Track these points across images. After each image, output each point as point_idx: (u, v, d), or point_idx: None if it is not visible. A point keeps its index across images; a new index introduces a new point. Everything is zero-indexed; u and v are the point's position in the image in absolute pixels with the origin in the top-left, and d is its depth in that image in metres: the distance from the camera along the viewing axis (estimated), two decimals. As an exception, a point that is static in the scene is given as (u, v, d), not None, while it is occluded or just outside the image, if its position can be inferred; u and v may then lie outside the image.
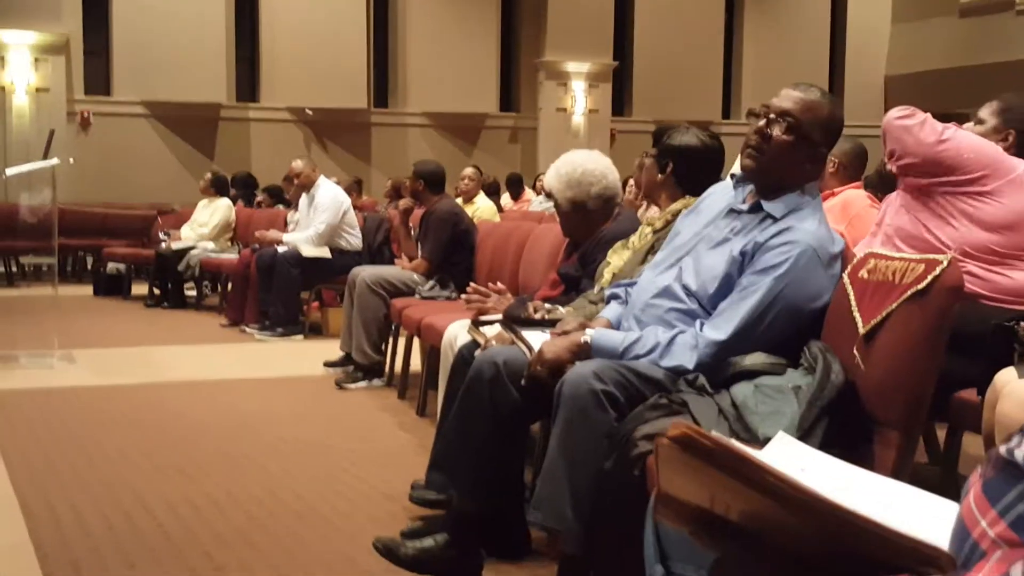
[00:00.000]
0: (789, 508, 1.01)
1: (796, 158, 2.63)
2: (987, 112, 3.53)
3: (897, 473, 2.09)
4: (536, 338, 2.86)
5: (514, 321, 3.12)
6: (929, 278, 2.14)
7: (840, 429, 2.20)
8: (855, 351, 2.30)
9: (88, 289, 11.35)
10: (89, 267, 12.85)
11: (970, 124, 3.56)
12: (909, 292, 2.17)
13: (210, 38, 14.83)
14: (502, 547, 3.09)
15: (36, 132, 13.41)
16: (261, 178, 12.49)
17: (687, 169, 3.41)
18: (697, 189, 3.29)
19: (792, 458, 1.26)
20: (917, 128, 3.26)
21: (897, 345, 2.19)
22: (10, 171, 7.24)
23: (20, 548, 3.15)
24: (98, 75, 15.03)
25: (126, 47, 14.63)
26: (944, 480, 3.23)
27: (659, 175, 3.48)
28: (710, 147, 3.44)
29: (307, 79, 15.36)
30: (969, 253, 3.17)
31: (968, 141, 3.27)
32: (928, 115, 3.33)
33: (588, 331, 2.73)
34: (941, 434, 3.69)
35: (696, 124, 3.65)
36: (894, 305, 2.20)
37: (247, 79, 15.98)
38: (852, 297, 2.39)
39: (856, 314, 2.34)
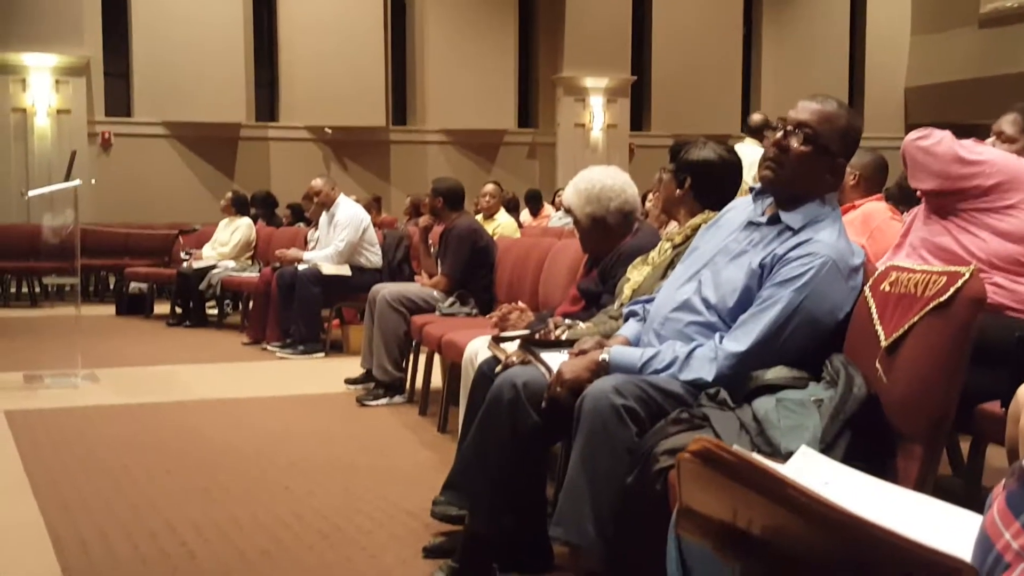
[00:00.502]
0: (812, 522, 1.01)
1: (815, 169, 2.63)
2: (1014, 129, 3.51)
3: (920, 486, 2.08)
4: (555, 359, 2.86)
5: (532, 343, 3.12)
6: (951, 290, 2.13)
7: (863, 442, 2.19)
8: (877, 364, 2.29)
9: (111, 309, 11.42)
10: (111, 287, 12.93)
11: (991, 139, 3.55)
12: (931, 304, 2.16)
13: (229, 59, 14.92)
14: (524, 564, 3.09)
15: (58, 153, 13.51)
16: (281, 197, 12.55)
17: (705, 184, 3.40)
18: (716, 203, 3.29)
19: (815, 472, 1.25)
20: (937, 149, 3.25)
21: (920, 358, 2.19)
22: (32, 192, 7.30)
23: (48, 574, 3.16)
24: (119, 96, 15.14)
25: (146, 69, 14.74)
26: (967, 492, 3.21)
27: (677, 191, 3.47)
28: (728, 161, 3.44)
29: (326, 98, 15.43)
30: (996, 264, 3.16)
31: (991, 157, 3.26)
32: (947, 134, 3.32)
33: (606, 349, 2.73)
34: (965, 446, 3.67)
35: (715, 138, 3.64)
36: (916, 317, 2.20)
37: (266, 99, 16.07)
38: (874, 310, 2.38)
39: (878, 327, 2.33)
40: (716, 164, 3.41)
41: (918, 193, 3.35)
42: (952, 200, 3.24)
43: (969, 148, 3.28)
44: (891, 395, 2.24)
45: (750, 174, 7.41)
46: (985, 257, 3.15)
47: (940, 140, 3.28)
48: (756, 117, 7.88)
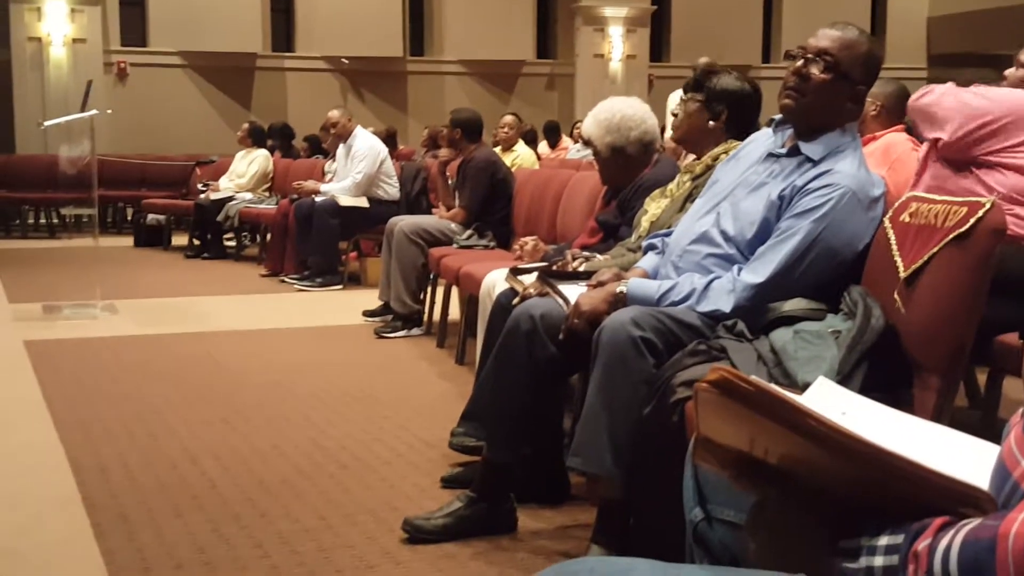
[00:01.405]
0: (829, 451, 1.01)
1: (836, 97, 2.59)
2: None
3: (938, 417, 2.08)
4: (572, 291, 2.85)
5: (550, 275, 3.11)
6: (972, 221, 2.12)
7: (880, 374, 2.19)
8: (896, 295, 2.28)
9: (128, 240, 11.47)
10: (129, 218, 12.98)
11: (1011, 70, 3.50)
12: (951, 235, 2.15)
13: (245, -12, 14.81)
14: (542, 493, 3.12)
15: (74, 83, 13.49)
16: (298, 128, 12.51)
17: (737, 114, 3.34)
18: (741, 133, 3.25)
19: (832, 402, 1.25)
20: (943, 101, 3.23)
21: (938, 289, 2.18)
22: (49, 123, 7.30)
23: (69, 500, 3.21)
24: (134, 26, 15.06)
25: (161, -2, 14.65)
26: (984, 423, 3.21)
27: (711, 122, 3.34)
28: (755, 91, 3.39)
29: (343, 28, 15.32)
30: (1015, 199, 3.13)
31: (998, 97, 3.22)
32: (948, 86, 3.28)
33: (624, 281, 2.73)
34: (982, 378, 3.67)
35: (736, 68, 3.57)
36: (936, 248, 2.18)
37: (283, 29, 15.96)
38: (893, 241, 2.36)
39: (897, 258, 2.32)
40: (748, 94, 3.36)
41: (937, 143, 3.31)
42: (967, 148, 3.20)
43: (974, 92, 3.24)
44: (909, 326, 2.24)
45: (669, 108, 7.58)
46: (1005, 191, 3.12)
47: (943, 93, 3.25)
48: (703, 60, 8.00)
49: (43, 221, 12.91)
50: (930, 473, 0.99)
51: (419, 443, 3.79)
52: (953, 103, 3.21)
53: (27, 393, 4.57)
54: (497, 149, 7.90)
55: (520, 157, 8.16)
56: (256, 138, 10.37)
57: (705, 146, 3.38)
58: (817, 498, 1.07)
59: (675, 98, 7.53)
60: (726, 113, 3.32)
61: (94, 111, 6.72)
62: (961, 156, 3.21)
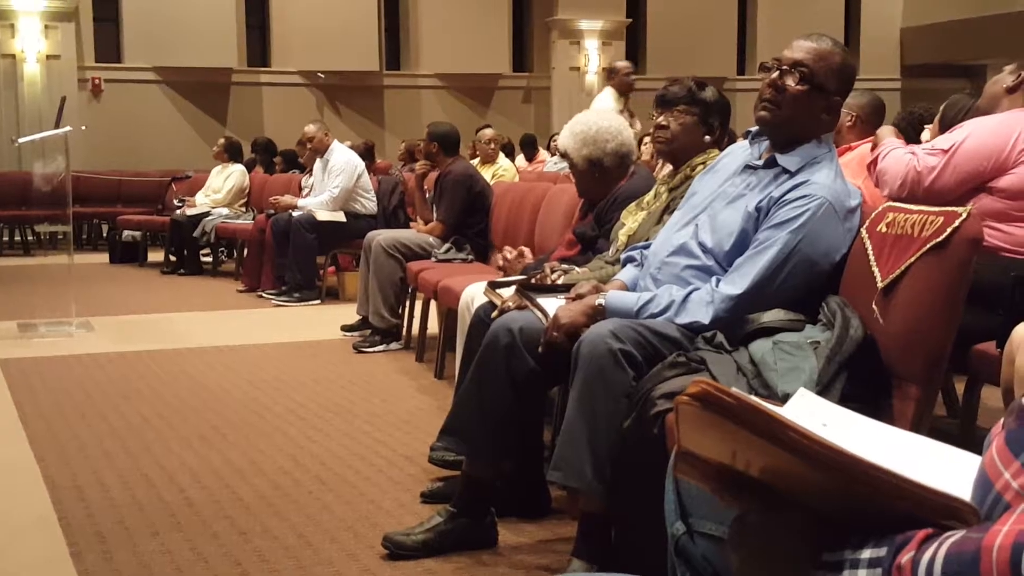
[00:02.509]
0: (811, 463, 1.01)
1: (812, 108, 2.60)
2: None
3: (917, 426, 2.09)
4: (551, 304, 2.85)
5: (528, 288, 3.10)
6: (948, 230, 2.12)
7: (859, 384, 2.19)
8: (873, 305, 2.29)
9: (104, 257, 11.39)
10: (104, 235, 12.89)
11: (1001, 76, 3.51)
12: (928, 245, 2.16)
13: (220, 3, 14.76)
14: (522, 508, 3.11)
15: (48, 100, 13.41)
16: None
17: (724, 126, 3.39)
18: (717, 144, 3.29)
19: (813, 414, 1.25)
20: (887, 167, 3.34)
21: (916, 298, 2.18)
22: (22, 139, 7.26)
23: (45, 520, 3.18)
24: (109, 42, 14.99)
25: (136, 13, 14.58)
26: (963, 433, 3.23)
27: (707, 136, 3.33)
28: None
29: (318, 43, 15.30)
30: (987, 216, 3.17)
31: (961, 158, 3.28)
32: (892, 147, 3.39)
33: (602, 293, 2.73)
34: (960, 387, 3.68)
35: (711, 80, 3.58)
36: (913, 258, 2.19)
37: (258, 43, 15.92)
38: (870, 251, 2.37)
39: (874, 268, 2.32)
40: (727, 105, 3.43)
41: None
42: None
43: (919, 153, 3.33)
44: (887, 336, 2.24)
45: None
46: (977, 210, 3.16)
47: (888, 158, 3.36)
48: (619, 64, 8.22)
49: (17, 239, 12.82)
50: (912, 485, 0.98)
51: (399, 458, 3.77)
52: (898, 169, 3.32)
53: (2, 412, 4.52)
54: (475, 162, 7.90)
55: (502, 169, 8.16)
56: (232, 153, 10.33)
57: (691, 159, 3.37)
58: (799, 511, 1.07)
59: (607, 101, 7.66)
60: (719, 125, 3.35)
61: (68, 128, 6.68)
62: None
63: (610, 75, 8.12)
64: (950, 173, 3.25)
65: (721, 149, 3.11)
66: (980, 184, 3.25)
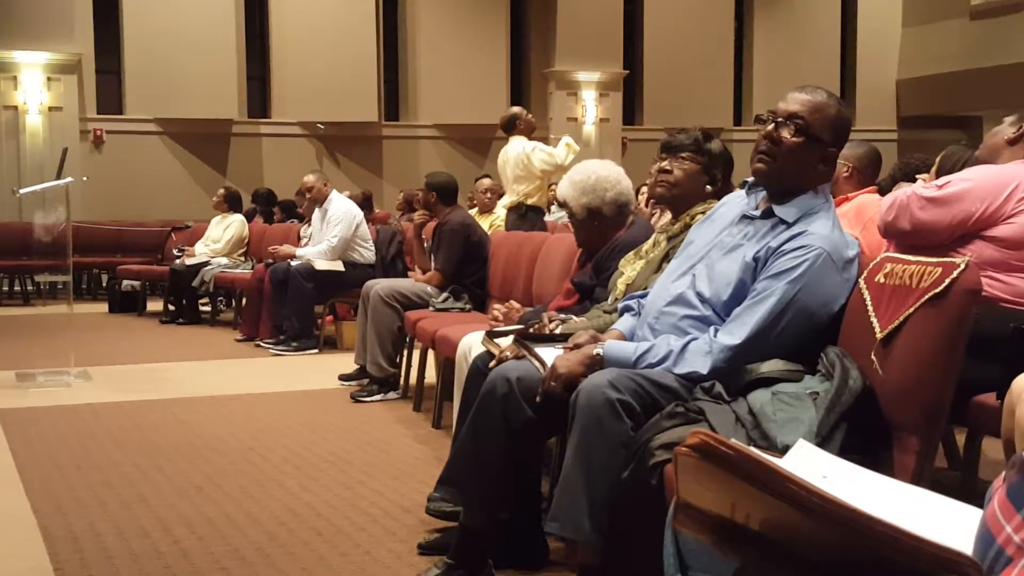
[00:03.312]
0: (812, 516, 1.00)
1: (808, 160, 2.62)
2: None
3: (917, 479, 2.07)
4: (549, 353, 2.84)
5: (526, 337, 3.10)
6: (947, 281, 2.12)
7: (859, 435, 2.18)
8: (872, 356, 2.28)
9: (103, 306, 11.39)
10: (104, 284, 12.90)
11: (1001, 128, 3.54)
12: (927, 296, 2.16)
13: (220, 55, 14.88)
14: (519, 559, 3.08)
15: (50, 151, 13.47)
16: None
17: (727, 177, 3.41)
18: (718, 194, 3.30)
19: (813, 465, 1.24)
20: (896, 222, 3.37)
21: (915, 349, 2.18)
22: (24, 190, 7.28)
23: (40, 570, 3.15)
24: (111, 94, 15.09)
25: (138, 66, 14.69)
26: (964, 485, 3.20)
27: (708, 186, 3.35)
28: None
29: (318, 94, 15.40)
30: (987, 264, 3.17)
31: (955, 196, 3.32)
32: (900, 196, 3.41)
33: (600, 343, 2.72)
34: (960, 439, 3.67)
35: (708, 131, 3.60)
36: (911, 309, 2.19)
37: (258, 95, 16.03)
38: (869, 301, 2.37)
39: (873, 319, 2.32)
40: (731, 160, 3.44)
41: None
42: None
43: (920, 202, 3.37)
44: (887, 387, 2.23)
45: (512, 169, 7.90)
46: (976, 259, 3.16)
47: (897, 207, 3.39)
48: (504, 114, 8.38)
49: (17, 288, 12.82)
50: (912, 538, 0.97)
51: (395, 508, 3.75)
52: (894, 194, 3.35)
53: (-3, 462, 4.50)
54: (474, 212, 7.92)
55: (499, 219, 8.19)
56: (232, 203, 10.36)
57: (690, 207, 3.38)
58: (799, 563, 1.06)
59: (521, 146, 7.80)
60: (721, 180, 3.36)
61: (69, 179, 6.71)
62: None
63: (513, 124, 8.21)
64: (941, 208, 3.27)
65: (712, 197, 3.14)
66: (970, 230, 3.26)
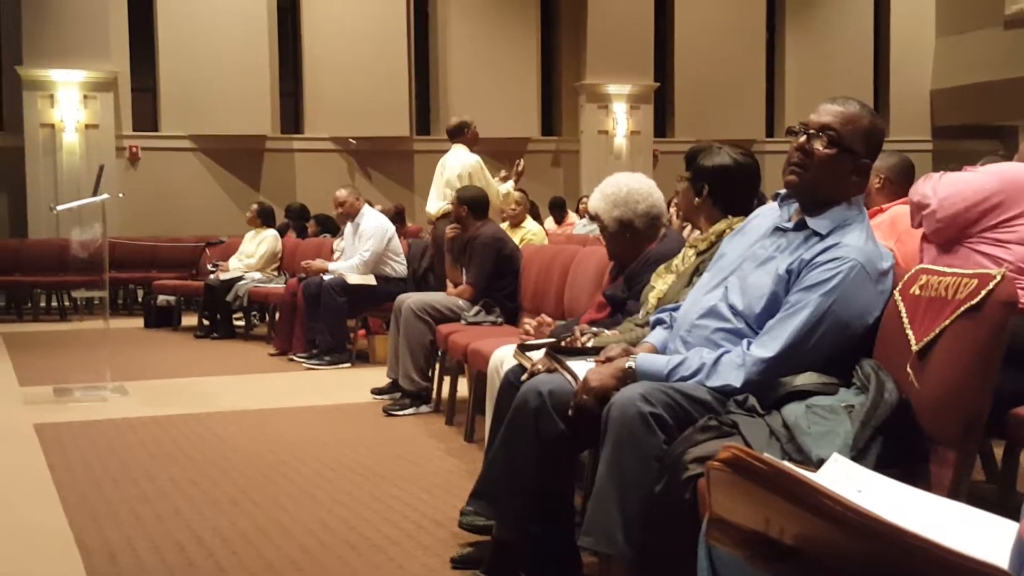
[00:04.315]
0: (847, 531, 0.99)
1: (841, 171, 2.60)
2: None
3: (954, 492, 2.05)
4: (581, 367, 2.83)
5: (558, 351, 3.10)
6: (983, 293, 2.11)
7: (895, 449, 2.16)
8: (908, 369, 2.26)
9: (139, 321, 11.48)
10: (139, 300, 13.01)
11: None
12: (963, 308, 2.14)
13: (254, 72, 14.99)
14: (553, 573, 3.07)
15: (86, 168, 13.61)
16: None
17: (723, 190, 3.35)
18: (736, 208, 3.27)
19: (848, 479, 1.23)
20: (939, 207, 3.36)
21: (951, 362, 2.16)
22: (61, 207, 7.36)
23: (75, 580, 3.18)
24: (146, 111, 15.24)
25: (172, 83, 14.83)
26: (1002, 498, 3.17)
27: (696, 199, 3.41)
28: (744, 165, 3.39)
29: (350, 109, 15.48)
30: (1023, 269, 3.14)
31: (980, 183, 3.31)
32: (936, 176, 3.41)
33: (632, 356, 2.71)
34: (998, 451, 3.63)
35: (739, 143, 3.61)
36: (947, 321, 2.17)
37: (291, 111, 16.14)
38: (904, 314, 2.35)
39: (908, 331, 2.30)
40: (732, 169, 3.36)
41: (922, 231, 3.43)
42: (961, 230, 3.30)
43: (965, 175, 3.37)
44: (923, 400, 2.21)
45: (450, 176, 7.46)
46: (1012, 263, 3.13)
47: (936, 181, 3.39)
48: (453, 120, 8.10)
49: (54, 304, 12.96)
50: (948, 552, 0.96)
51: (428, 522, 3.75)
52: (947, 189, 3.33)
53: (36, 476, 4.54)
54: (505, 225, 7.92)
55: (530, 232, 8.18)
56: (265, 218, 10.44)
57: (699, 222, 3.43)
58: (834, 579, 1.05)
59: (462, 157, 7.57)
60: (707, 188, 3.35)
61: (105, 195, 6.77)
62: (954, 237, 3.29)
63: (462, 131, 7.97)
64: (962, 183, 3.31)
65: (736, 211, 3.12)
66: (988, 209, 3.25)
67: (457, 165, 7.61)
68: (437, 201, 7.67)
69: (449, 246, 6.55)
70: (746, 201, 3.33)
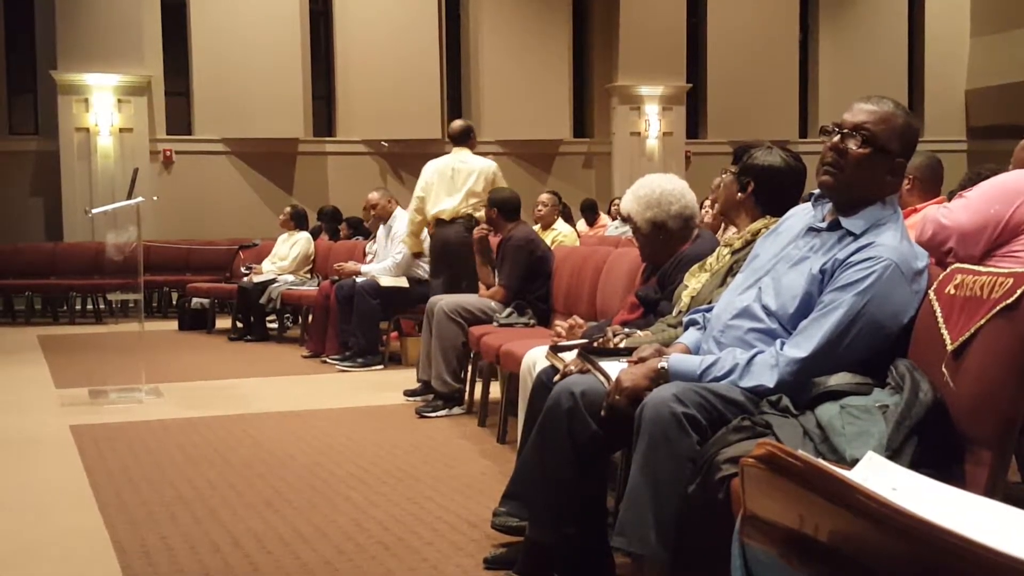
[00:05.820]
0: (881, 527, 0.99)
1: (875, 171, 2.59)
2: None
3: (990, 492, 2.04)
4: (613, 367, 2.83)
5: (590, 351, 3.10)
6: (1019, 292, 2.09)
7: (930, 449, 2.15)
8: (943, 368, 2.25)
9: (173, 324, 11.58)
10: (174, 302, 13.12)
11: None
12: (998, 307, 2.12)
13: (287, 76, 15.08)
14: (586, 573, 3.07)
15: (121, 171, 13.75)
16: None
17: (768, 189, 3.34)
18: (777, 209, 3.25)
19: (882, 478, 1.23)
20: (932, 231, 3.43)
21: (987, 361, 2.14)
22: (96, 210, 7.43)
23: (113, 579, 3.21)
24: (179, 115, 15.36)
25: (206, 87, 14.94)
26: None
27: (739, 194, 3.40)
28: (793, 168, 3.39)
29: (382, 112, 15.54)
30: None
31: (972, 203, 3.34)
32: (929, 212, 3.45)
33: (665, 357, 2.71)
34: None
35: (772, 144, 3.59)
36: (983, 320, 2.16)
37: (324, 114, 16.22)
38: (939, 313, 2.34)
39: (944, 331, 2.29)
40: (781, 170, 3.35)
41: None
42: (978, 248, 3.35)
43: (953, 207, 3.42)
44: (958, 400, 2.20)
45: (475, 179, 7.28)
46: None
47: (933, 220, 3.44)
48: (457, 124, 7.91)
49: (90, 307, 13.08)
50: (984, 549, 0.96)
51: (461, 523, 3.76)
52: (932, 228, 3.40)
53: (72, 478, 4.59)
54: (536, 227, 7.92)
55: (560, 234, 8.18)
56: (298, 221, 10.50)
57: (737, 218, 3.41)
58: (870, 576, 1.05)
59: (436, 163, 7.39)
60: (752, 185, 3.34)
61: (140, 198, 6.83)
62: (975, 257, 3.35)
63: (468, 135, 7.76)
64: (963, 211, 3.32)
65: (776, 212, 3.12)
66: (997, 226, 3.26)
67: (479, 169, 7.44)
68: (448, 202, 7.40)
69: (478, 247, 6.56)
70: (788, 204, 3.31)
